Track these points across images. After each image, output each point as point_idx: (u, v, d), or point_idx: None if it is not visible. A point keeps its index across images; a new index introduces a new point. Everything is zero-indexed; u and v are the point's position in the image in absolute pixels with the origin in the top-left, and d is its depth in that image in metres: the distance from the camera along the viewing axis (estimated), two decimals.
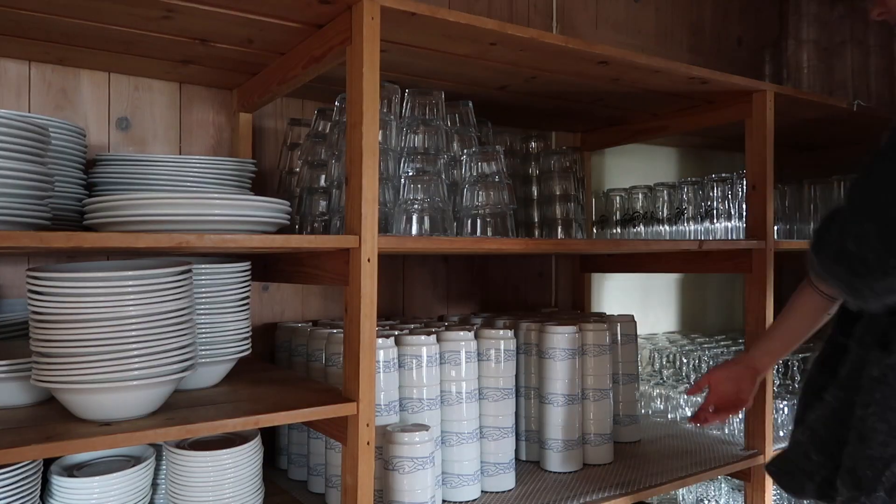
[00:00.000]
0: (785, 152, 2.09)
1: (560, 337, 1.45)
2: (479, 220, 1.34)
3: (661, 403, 1.97)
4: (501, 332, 1.38)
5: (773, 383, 1.66)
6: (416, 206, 1.25)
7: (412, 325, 1.48)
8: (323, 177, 1.36)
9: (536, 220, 1.71)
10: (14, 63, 1.34)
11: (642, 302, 2.35)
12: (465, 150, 1.37)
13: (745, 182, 1.68)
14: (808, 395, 1.07)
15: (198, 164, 1.26)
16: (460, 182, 1.36)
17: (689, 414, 1.90)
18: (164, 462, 1.15)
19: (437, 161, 1.29)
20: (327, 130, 1.37)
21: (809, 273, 1.12)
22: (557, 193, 1.67)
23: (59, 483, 1.02)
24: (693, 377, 1.99)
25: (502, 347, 1.37)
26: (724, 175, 1.83)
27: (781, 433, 1.75)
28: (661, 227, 1.92)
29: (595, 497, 1.31)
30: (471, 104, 1.42)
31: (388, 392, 1.24)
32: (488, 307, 1.97)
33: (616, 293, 2.28)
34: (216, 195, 1.01)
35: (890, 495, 0.86)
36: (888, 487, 0.86)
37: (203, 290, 1.15)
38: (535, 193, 1.72)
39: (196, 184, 1.25)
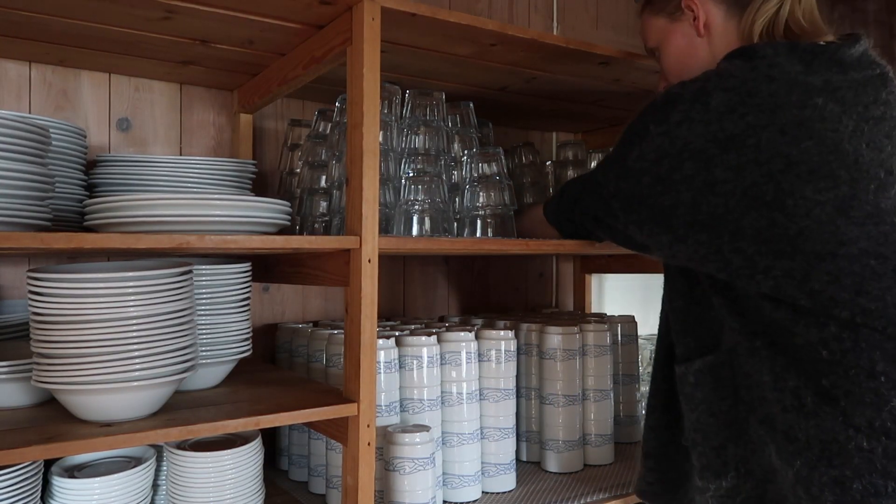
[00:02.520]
0: None
1: (561, 337, 1.45)
2: (479, 221, 1.34)
3: None
4: (502, 332, 1.38)
5: None
6: (416, 207, 1.25)
7: (413, 326, 1.48)
8: (323, 178, 1.36)
9: None
10: (14, 64, 1.35)
11: (643, 302, 2.35)
12: (466, 151, 1.37)
13: None
14: None
15: (198, 165, 1.26)
16: (461, 183, 1.36)
17: None
18: (164, 463, 1.15)
19: (438, 162, 1.29)
20: (328, 131, 1.37)
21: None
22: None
23: (60, 484, 1.02)
24: None
25: (503, 348, 1.37)
26: None
27: None
28: None
29: (596, 498, 1.31)
30: (471, 105, 1.42)
31: (389, 393, 1.24)
32: (489, 308, 1.97)
33: (617, 294, 2.28)
34: (217, 196, 1.01)
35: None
36: (730, 465, 0.99)
37: (204, 290, 1.15)
38: (534, 194, 1.71)
39: (197, 184, 1.25)
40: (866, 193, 0.88)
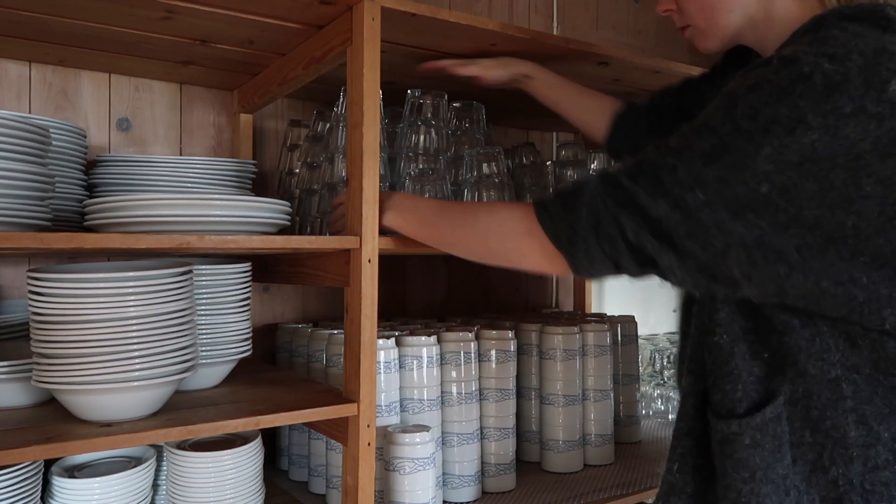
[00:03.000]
0: None
1: (560, 337, 1.45)
2: None
3: (661, 404, 1.97)
4: (502, 332, 1.38)
5: None
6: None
7: (413, 326, 1.48)
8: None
9: None
10: (14, 64, 1.35)
11: (643, 302, 2.35)
12: (466, 151, 1.37)
13: None
14: None
15: (198, 165, 1.26)
16: (462, 183, 1.36)
17: None
18: (164, 463, 1.15)
19: (439, 161, 1.29)
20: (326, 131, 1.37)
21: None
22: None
23: (60, 484, 1.02)
24: None
25: (503, 348, 1.37)
26: None
27: None
28: None
29: (596, 498, 1.31)
30: (483, 108, 1.41)
31: (389, 393, 1.24)
32: (489, 308, 1.97)
33: (617, 294, 2.28)
34: (217, 196, 1.01)
35: None
36: None
37: (204, 290, 1.15)
38: (535, 195, 1.71)
39: (197, 185, 1.25)
40: None
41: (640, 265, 0.79)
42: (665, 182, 0.75)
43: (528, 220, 0.87)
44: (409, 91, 1.33)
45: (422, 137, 1.29)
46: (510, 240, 0.90)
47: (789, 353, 0.78)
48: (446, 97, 1.34)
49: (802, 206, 0.70)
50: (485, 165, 1.36)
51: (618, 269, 0.81)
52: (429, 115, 1.31)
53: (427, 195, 1.25)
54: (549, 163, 1.75)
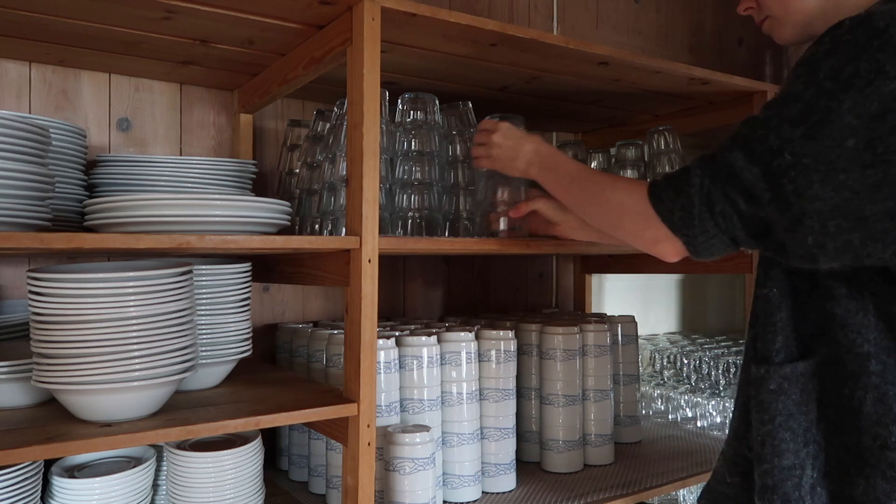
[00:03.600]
0: None
1: (561, 338, 1.45)
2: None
3: (661, 404, 1.97)
4: (502, 332, 1.38)
5: None
6: (413, 209, 1.26)
7: (413, 326, 1.48)
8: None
9: None
10: (14, 64, 1.35)
11: (643, 302, 2.35)
12: (461, 152, 1.37)
13: None
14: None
15: (198, 165, 1.26)
16: (460, 183, 1.36)
17: (689, 415, 1.90)
18: (164, 463, 1.15)
19: (434, 163, 1.29)
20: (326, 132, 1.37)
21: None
22: None
23: (60, 484, 1.02)
24: (694, 378, 1.99)
25: (503, 348, 1.37)
26: None
27: None
28: None
29: (596, 498, 1.31)
30: (470, 105, 1.41)
31: (389, 393, 1.24)
32: (489, 308, 1.97)
33: (617, 294, 2.28)
34: (217, 196, 1.01)
35: (807, 497, 0.83)
36: (805, 492, 0.83)
37: (204, 290, 1.15)
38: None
39: (197, 185, 1.25)
40: None
41: (755, 238, 0.82)
42: (756, 151, 0.77)
43: (644, 203, 0.89)
44: (400, 96, 1.33)
45: (413, 142, 1.29)
46: (629, 221, 0.93)
47: (830, 319, 0.81)
48: (437, 100, 1.34)
49: (891, 162, 0.70)
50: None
51: (735, 244, 0.84)
52: (419, 119, 1.31)
53: (418, 200, 1.25)
54: None
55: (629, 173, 1.71)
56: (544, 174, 1.09)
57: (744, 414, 0.92)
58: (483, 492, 1.35)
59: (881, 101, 0.71)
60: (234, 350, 1.18)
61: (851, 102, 0.72)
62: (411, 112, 1.31)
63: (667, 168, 1.62)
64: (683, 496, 1.96)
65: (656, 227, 0.88)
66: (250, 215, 1.02)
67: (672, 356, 2.07)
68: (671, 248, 0.89)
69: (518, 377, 1.46)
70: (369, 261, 1.03)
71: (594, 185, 1.00)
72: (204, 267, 1.16)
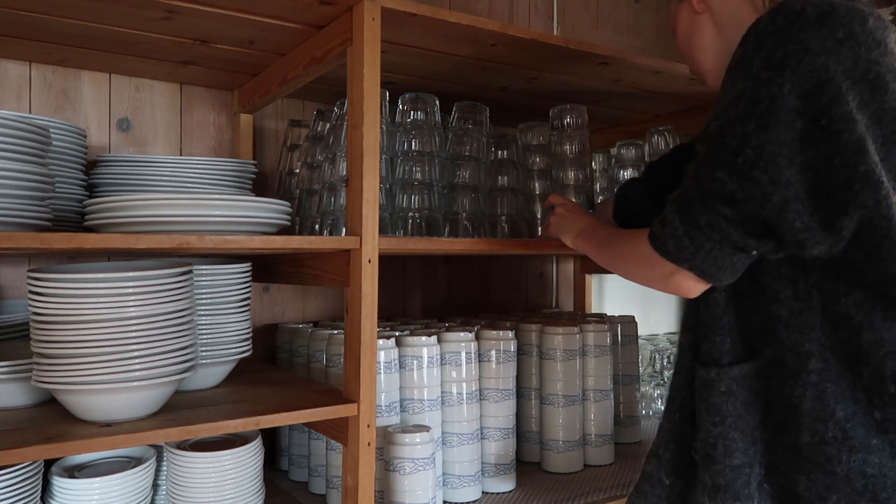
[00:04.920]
0: None
1: (561, 338, 1.45)
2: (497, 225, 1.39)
3: (661, 404, 1.97)
4: (502, 332, 1.38)
5: None
6: (413, 209, 1.26)
7: (413, 326, 1.48)
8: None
9: (540, 217, 1.71)
10: (15, 64, 1.35)
11: (643, 303, 2.35)
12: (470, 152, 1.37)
13: None
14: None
15: (199, 165, 1.26)
16: (480, 188, 1.37)
17: None
18: (164, 463, 1.15)
19: (434, 163, 1.29)
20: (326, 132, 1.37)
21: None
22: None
23: (60, 484, 1.02)
24: None
25: (503, 348, 1.37)
26: None
27: None
28: None
29: (596, 498, 1.31)
30: (487, 109, 1.41)
31: (389, 393, 1.24)
32: (489, 308, 1.97)
33: (617, 294, 2.28)
34: (217, 196, 1.01)
35: (755, 494, 0.87)
36: (753, 489, 0.86)
37: (204, 290, 1.15)
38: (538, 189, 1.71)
39: (197, 185, 1.25)
40: None
41: (756, 237, 0.81)
42: (719, 158, 0.80)
43: (645, 245, 0.90)
44: (400, 96, 1.33)
45: (413, 142, 1.29)
46: (642, 266, 0.94)
47: (775, 320, 0.85)
48: (437, 100, 1.33)
49: (839, 132, 0.74)
50: (499, 178, 1.41)
51: (741, 250, 0.83)
52: (419, 119, 1.31)
53: (418, 200, 1.26)
54: None
55: (629, 173, 1.71)
56: (584, 243, 1.15)
57: (685, 416, 0.94)
58: (483, 492, 1.35)
59: (814, 76, 0.75)
60: (233, 350, 1.18)
61: (790, 84, 0.76)
62: (411, 112, 1.31)
63: None
64: None
65: (661, 264, 0.89)
66: (250, 215, 1.02)
67: (672, 356, 2.07)
68: (685, 282, 0.88)
69: (518, 377, 1.46)
70: (369, 261, 1.03)
71: (615, 243, 1.05)
72: (204, 267, 1.16)
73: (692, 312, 0.94)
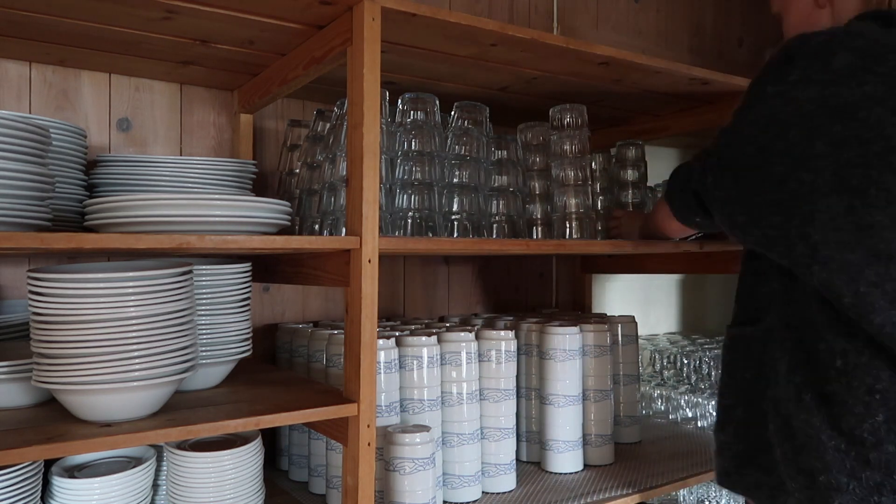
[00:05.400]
0: None
1: (561, 338, 1.45)
2: (495, 227, 1.37)
3: (661, 404, 1.97)
4: (502, 332, 1.38)
5: None
6: (413, 209, 1.26)
7: (413, 326, 1.48)
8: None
9: (539, 217, 1.71)
10: (15, 64, 1.35)
11: (643, 303, 2.35)
12: (477, 156, 1.38)
13: None
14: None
15: (199, 165, 1.26)
16: (480, 188, 1.37)
17: (689, 415, 1.90)
18: (164, 463, 1.15)
19: (434, 163, 1.29)
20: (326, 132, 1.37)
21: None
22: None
23: (60, 484, 1.02)
24: (694, 378, 1.99)
25: (503, 348, 1.37)
26: None
27: None
28: None
29: (596, 498, 1.31)
30: (487, 109, 1.41)
31: (389, 393, 1.24)
32: (489, 308, 1.97)
33: (617, 294, 2.28)
34: (217, 196, 1.01)
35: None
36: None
37: (204, 290, 1.15)
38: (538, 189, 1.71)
39: (197, 185, 1.25)
40: None
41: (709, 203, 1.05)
42: (701, 154, 1.06)
43: (666, 207, 1.20)
44: (400, 96, 1.33)
45: (413, 142, 1.29)
46: (667, 223, 1.27)
47: (772, 293, 1.03)
48: (437, 100, 1.33)
49: (773, 163, 0.91)
50: (498, 177, 1.41)
51: (698, 198, 1.07)
52: (419, 119, 1.31)
53: (418, 200, 1.26)
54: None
55: (629, 173, 1.71)
56: (645, 232, 1.42)
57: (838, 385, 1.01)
58: (483, 492, 1.35)
59: (766, 115, 0.93)
60: (234, 350, 1.18)
61: (752, 116, 0.96)
62: (411, 112, 1.31)
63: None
64: (683, 496, 1.96)
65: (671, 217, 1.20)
66: (250, 215, 1.02)
67: (672, 356, 2.07)
68: (677, 224, 1.21)
69: (518, 377, 1.46)
70: (369, 261, 1.03)
71: (655, 215, 1.33)
72: (204, 267, 1.16)
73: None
